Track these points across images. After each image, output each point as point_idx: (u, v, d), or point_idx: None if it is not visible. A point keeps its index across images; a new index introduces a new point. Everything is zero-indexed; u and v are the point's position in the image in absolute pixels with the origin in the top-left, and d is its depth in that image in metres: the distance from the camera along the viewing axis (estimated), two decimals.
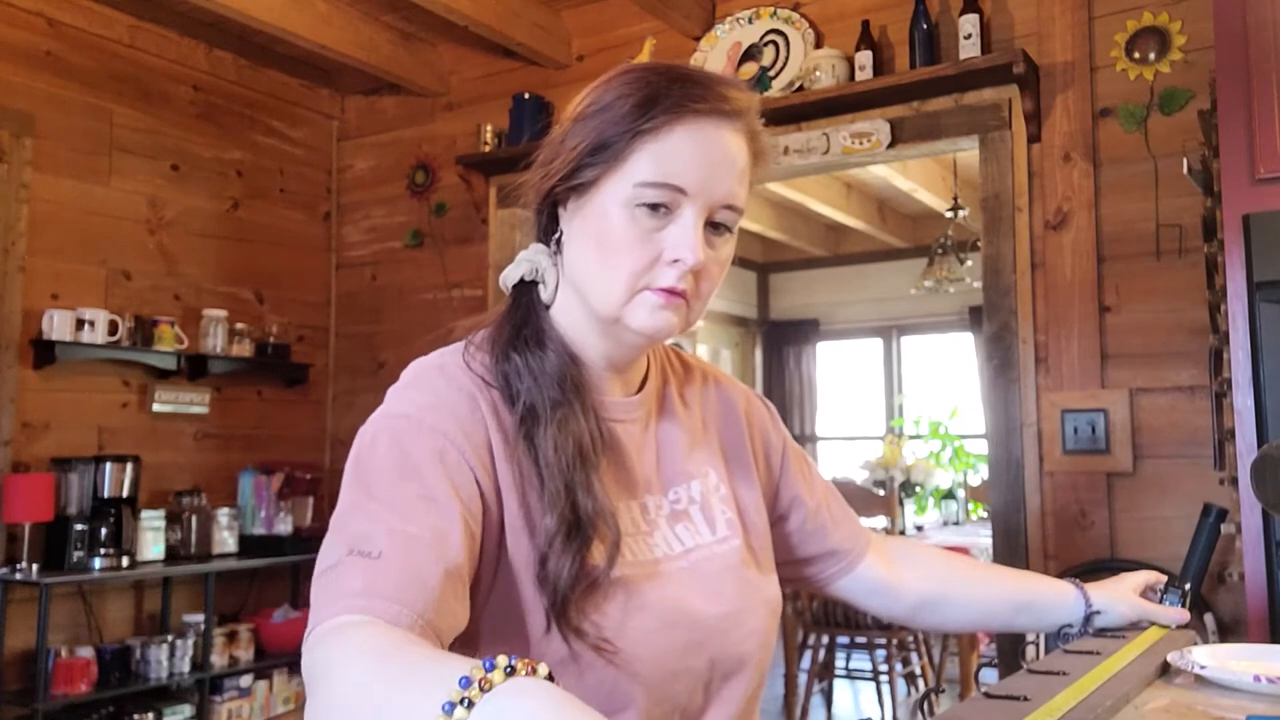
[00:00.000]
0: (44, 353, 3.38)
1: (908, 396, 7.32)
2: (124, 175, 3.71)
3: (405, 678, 0.61)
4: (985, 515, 5.47)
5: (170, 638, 3.44)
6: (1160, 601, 1.25)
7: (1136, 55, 2.81)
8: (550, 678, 0.56)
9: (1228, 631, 2.55)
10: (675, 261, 0.89)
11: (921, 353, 7.40)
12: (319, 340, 4.35)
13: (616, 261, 0.90)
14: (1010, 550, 2.87)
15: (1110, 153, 2.85)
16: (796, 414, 7.53)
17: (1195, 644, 1.12)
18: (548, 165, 0.94)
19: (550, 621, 0.85)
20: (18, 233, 3.36)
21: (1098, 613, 1.21)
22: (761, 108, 0.96)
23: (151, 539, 3.47)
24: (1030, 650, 1.32)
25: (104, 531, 3.33)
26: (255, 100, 4.19)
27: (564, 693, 0.55)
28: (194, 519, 3.64)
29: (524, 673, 0.56)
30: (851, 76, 3.16)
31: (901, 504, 5.07)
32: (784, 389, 7.62)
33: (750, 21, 3.42)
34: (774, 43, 3.36)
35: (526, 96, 3.75)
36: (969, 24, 2.96)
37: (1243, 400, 1.91)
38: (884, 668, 4.38)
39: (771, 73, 3.32)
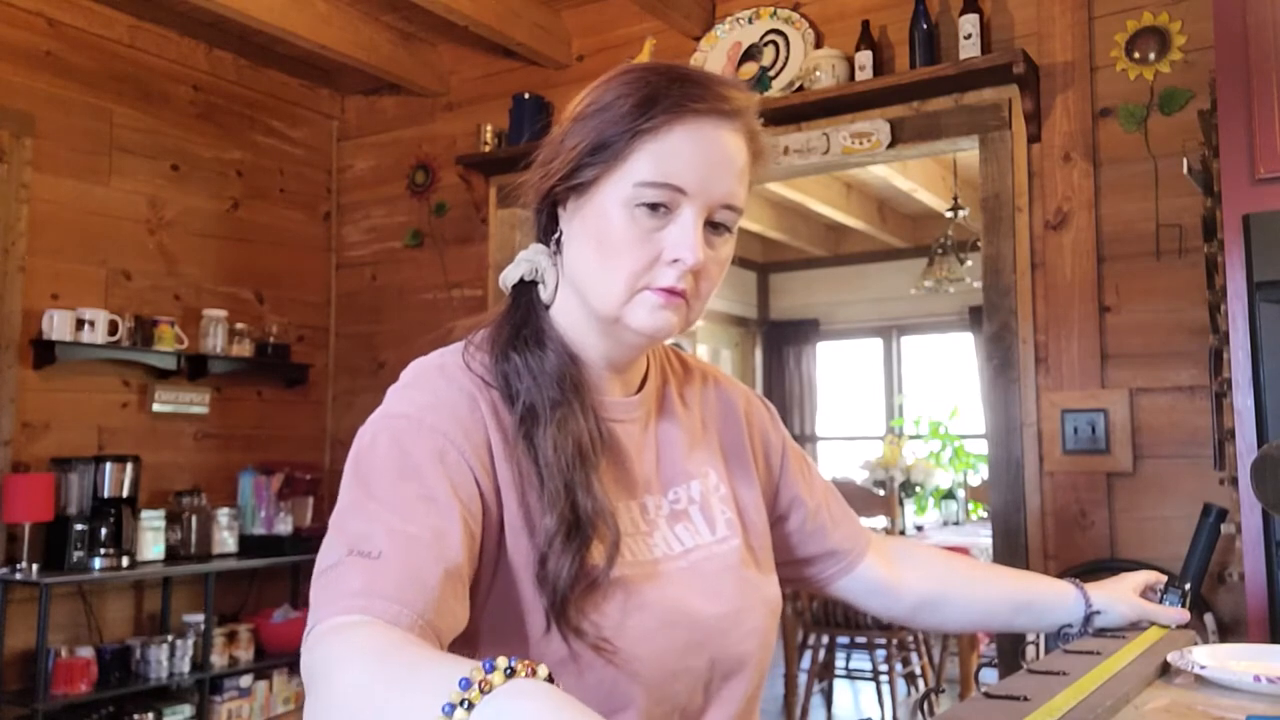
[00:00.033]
0: (44, 353, 3.38)
1: (908, 396, 7.32)
2: (124, 175, 3.71)
3: (405, 679, 0.61)
4: (985, 515, 5.47)
5: (170, 638, 3.44)
6: (1160, 601, 1.25)
7: (1136, 55, 2.81)
8: (550, 679, 0.56)
9: (1228, 631, 2.55)
10: (675, 261, 0.89)
11: (921, 353, 7.40)
12: (319, 340, 4.35)
13: (616, 261, 0.90)
14: (1010, 550, 2.87)
15: (1110, 153, 2.85)
16: (796, 414, 7.53)
17: (1195, 644, 1.12)
18: (547, 165, 0.94)
19: (550, 621, 0.85)
20: (18, 233, 3.37)
21: (1098, 613, 1.21)
22: (761, 108, 0.96)
23: (151, 539, 3.47)
24: (1030, 650, 1.32)
25: (104, 531, 3.33)
26: (255, 100, 4.19)
27: (564, 694, 0.55)
28: (194, 519, 3.64)
29: (524, 674, 0.56)
30: (851, 76, 3.16)
31: (901, 504, 5.07)
32: (784, 389, 7.62)
33: (750, 21, 3.42)
34: (774, 43, 3.36)
35: (526, 96, 3.75)
36: (969, 24, 2.96)
37: (1243, 400, 1.91)
38: (884, 668, 4.38)
39: (771, 73, 3.32)
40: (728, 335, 7.64)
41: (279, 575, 4.01)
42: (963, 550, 3.56)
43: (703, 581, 0.96)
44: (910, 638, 4.49)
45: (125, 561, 3.36)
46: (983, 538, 4.37)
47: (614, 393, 1.00)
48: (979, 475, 6.12)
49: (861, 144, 3.15)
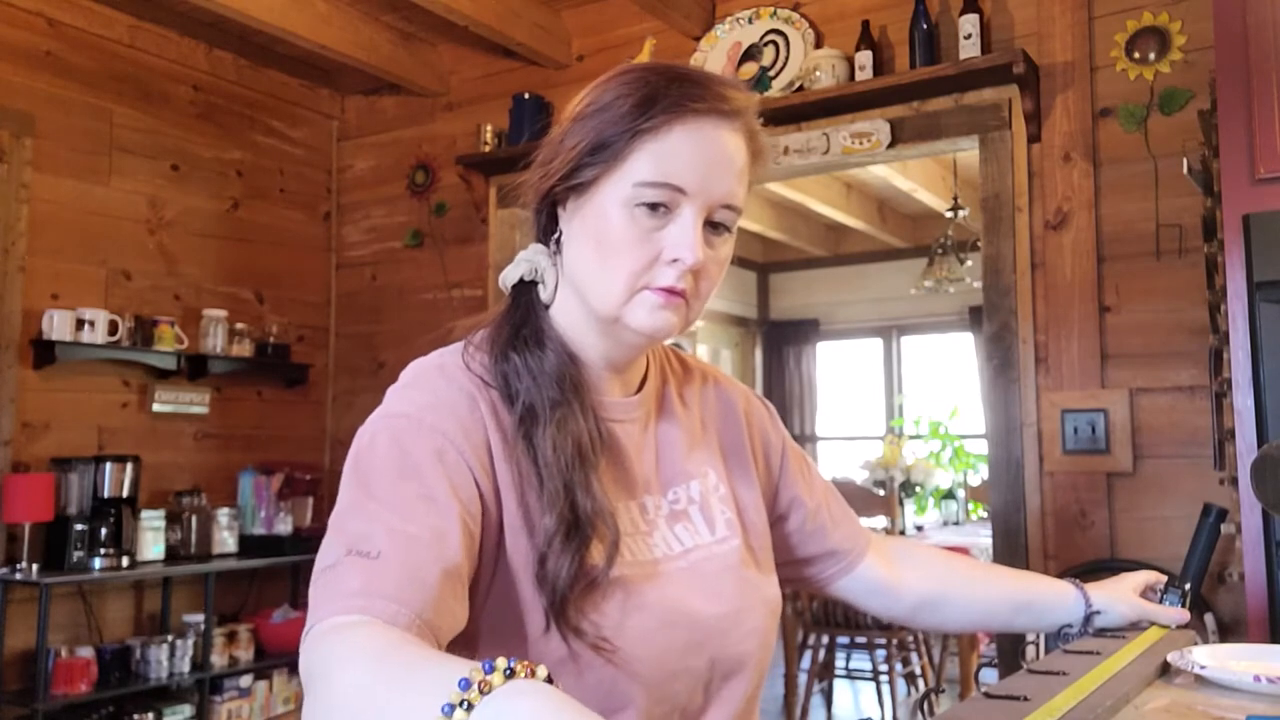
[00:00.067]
0: (44, 353, 3.38)
1: (908, 396, 7.32)
2: (124, 175, 3.71)
3: (404, 679, 0.61)
4: (985, 515, 5.47)
5: (170, 638, 3.44)
6: (1160, 601, 1.25)
7: (1136, 55, 2.81)
8: (549, 680, 0.56)
9: (1228, 631, 2.55)
10: (674, 261, 0.89)
11: (921, 353, 7.40)
12: (319, 340, 4.35)
13: (616, 261, 0.90)
14: (1010, 550, 2.87)
15: (1110, 153, 2.85)
16: (796, 414, 7.53)
17: (1195, 644, 1.12)
18: (547, 165, 0.94)
19: (549, 621, 0.85)
20: (18, 233, 3.37)
21: (1098, 613, 1.21)
22: (761, 108, 0.96)
23: (151, 539, 3.47)
24: (1030, 650, 1.32)
25: (104, 531, 3.33)
26: (255, 100, 4.19)
27: (563, 695, 0.55)
28: (194, 519, 3.64)
29: (523, 675, 0.56)
30: (851, 76, 3.16)
31: (901, 504, 5.07)
32: (784, 389, 7.62)
33: (750, 21, 3.42)
34: (774, 43, 3.36)
35: (526, 96, 3.75)
36: (969, 24, 2.96)
37: (1243, 400, 1.91)
38: (884, 668, 4.38)
39: (771, 73, 3.32)
40: (728, 335, 7.64)
41: (279, 575, 4.01)
42: (963, 550, 3.56)
43: (702, 581, 0.96)
44: (910, 638, 4.49)
45: (125, 561, 3.36)
46: (983, 538, 4.37)
47: (613, 393, 1.00)
48: (979, 475, 6.12)
49: (861, 144, 3.15)
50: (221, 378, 3.93)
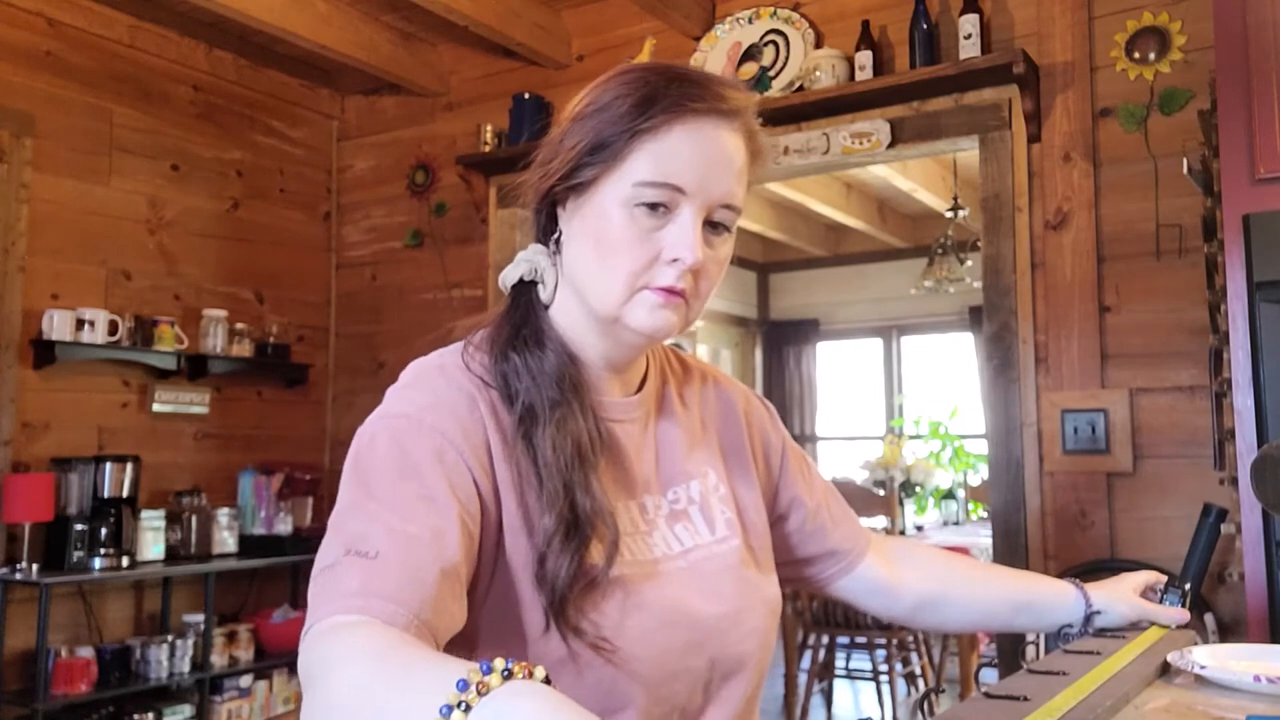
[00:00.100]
0: (44, 353, 3.38)
1: (908, 396, 7.32)
2: (124, 175, 3.71)
3: (403, 679, 0.61)
4: (985, 515, 5.47)
5: (170, 638, 3.44)
6: (1160, 601, 1.25)
7: (1136, 55, 2.81)
8: (547, 680, 0.56)
9: (1228, 631, 2.55)
10: (674, 261, 0.89)
11: (921, 353, 7.40)
12: (319, 340, 4.35)
13: (615, 261, 0.90)
14: (1010, 550, 2.86)
15: (1110, 153, 2.84)
16: (796, 414, 7.53)
17: (1195, 644, 1.12)
18: (546, 165, 0.94)
19: (549, 621, 0.85)
20: (18, 233, 3.37)
21: (1098, 613, 1.20)
22: (761, 107, 0.96)
23: (151, 539, 3.47)
24: (1030, 650, 1.32)
25: (104, 531, 3.33)
26: (255, 100, 4.19)
27: (561, 696, 0.55)
28: (194, 519, 3.64)
29: (521, 676, 0.56)
30: (851, 76, 3.16)
31: (901, 504, 5.07)
32: (784, 389, 7.62)
33: (750, 21, 3.42)
34: (774, 43, 3.36)
35: (526, 96, 3.75)
36: (969, 24, 2.96)
37: (1243, 400, 1.91)
38: (884, 668, 4.38)
39: (771, 73, 3.32)
40: (728, 335, 7.64)
41: (279, 575, 4.01)
42: (963, 550, 3.56)
43: (702, 581, 0.96)
44: (910, 638, 4.49)
45: (125, 561, 3.36)
46: (983, 538, 4.37)
47: (613, 393, 1.00)
48: (979, 475, 6.12)
49: (861, 144, 3.15)
50: (221, 378, 3.93)
